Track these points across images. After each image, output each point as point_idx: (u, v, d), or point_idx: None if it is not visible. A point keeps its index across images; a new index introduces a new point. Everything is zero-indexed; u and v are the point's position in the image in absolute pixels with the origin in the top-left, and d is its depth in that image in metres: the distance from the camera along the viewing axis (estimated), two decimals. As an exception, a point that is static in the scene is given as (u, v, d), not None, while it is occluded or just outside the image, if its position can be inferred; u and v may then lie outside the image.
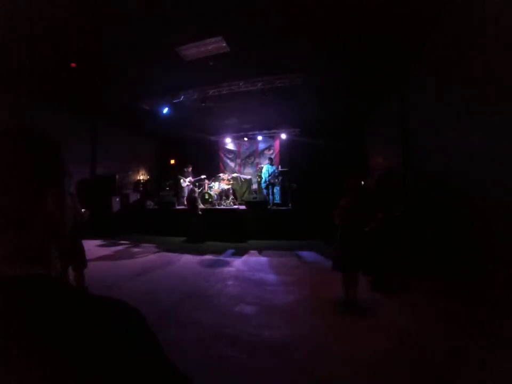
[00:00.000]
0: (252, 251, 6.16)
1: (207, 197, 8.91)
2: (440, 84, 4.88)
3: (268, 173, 8.98)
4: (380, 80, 6.76)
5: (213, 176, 9.86)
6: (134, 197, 10.09)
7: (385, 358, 2.21)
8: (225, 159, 12.70)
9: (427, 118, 5.51)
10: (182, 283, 4.10)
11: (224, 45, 5.27)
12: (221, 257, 5.70)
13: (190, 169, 9.48)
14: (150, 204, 9.70)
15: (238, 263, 5.19)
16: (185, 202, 8.07)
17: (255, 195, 9.40)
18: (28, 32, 4.50)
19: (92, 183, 9.04)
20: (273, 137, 11.98)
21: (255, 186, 10.78)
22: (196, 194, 7.72)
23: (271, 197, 9.06)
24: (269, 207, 8.47)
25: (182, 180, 9.36)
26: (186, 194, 9.42)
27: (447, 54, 4.60)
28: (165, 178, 11.11)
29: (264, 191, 9.15)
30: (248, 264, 5.11)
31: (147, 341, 0.39)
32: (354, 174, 3.39)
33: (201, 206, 8.21)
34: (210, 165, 12.09)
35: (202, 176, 9.51)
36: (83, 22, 4.41)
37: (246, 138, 12.10)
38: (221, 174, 10.16)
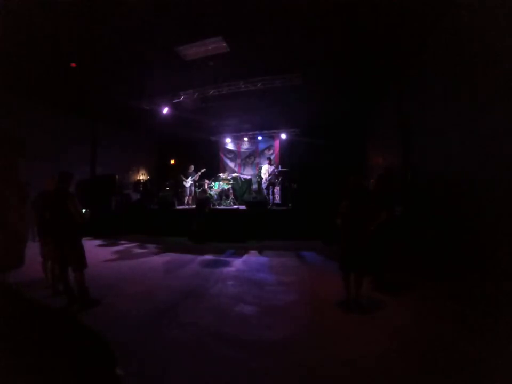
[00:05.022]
0: (251, 251, 6.16)
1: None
2: (441, 84, 4.88)
3: (268, 173, 8.97)
4: (380, 79, 6.76)
5: (213, 176, 9.84)
6: (134, 196, 10.08)
7: (386, 358, 2.21)
8: (225, 159, 12.70)
9: (427, 117, 5.51)
10: (182, 283, 4.10)
11: (224, 45, 5.27)
12: (221, 257, 5.69)
13: (192, 168, 9.45)
14: (148, 204, 9.66)
15: (238, 263, 5.19)
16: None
17: (255, 195, 9.38)
18: (28, 32, 4.50)
19: (92, 183, 9.03)
20: (273, 137, 11.98)
21: (255, 186, 10.77)
22: (207, 195, 7.65)
23: (271, 197, 9.05)
24: (269, 207, 8.46)
25: (184, 180, 9.32)
26: (188, 194, 9.40)
27: (448, 53, 4.60)
28: (165, 178, 11.10)
29: (264, 191, 9.14)
30: (248, 264, 5.10)
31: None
32: (353, 173, 3.38)
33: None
34: (210, 165, 12.08)
35: (202, 170, 9.39)
36: (83, 22, 4.42)
37: (246, 138, 12.10)
38: (221, 174, 10.15)
